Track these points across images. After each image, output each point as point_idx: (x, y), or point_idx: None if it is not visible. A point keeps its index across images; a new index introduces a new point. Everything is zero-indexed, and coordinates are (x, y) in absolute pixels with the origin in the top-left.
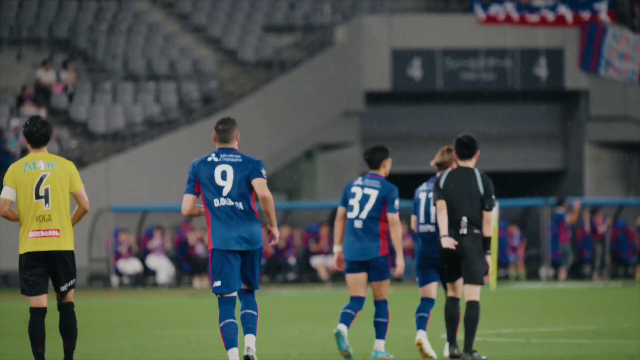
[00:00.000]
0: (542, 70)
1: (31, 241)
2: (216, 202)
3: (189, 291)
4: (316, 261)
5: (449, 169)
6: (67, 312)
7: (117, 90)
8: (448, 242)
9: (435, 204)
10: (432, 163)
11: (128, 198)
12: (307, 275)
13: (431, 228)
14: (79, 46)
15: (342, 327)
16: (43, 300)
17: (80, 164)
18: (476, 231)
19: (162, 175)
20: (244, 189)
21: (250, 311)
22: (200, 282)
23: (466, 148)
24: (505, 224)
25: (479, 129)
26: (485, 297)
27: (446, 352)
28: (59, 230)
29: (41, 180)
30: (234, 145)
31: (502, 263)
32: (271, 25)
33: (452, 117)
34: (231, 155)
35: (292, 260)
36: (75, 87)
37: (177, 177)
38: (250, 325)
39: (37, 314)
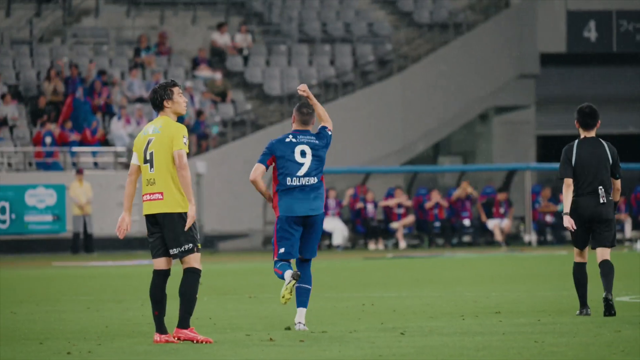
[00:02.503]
0: None
1: (144, 205)
2: (288, 180)
3: (364, 254)
4: (492, 223)
5: (576, 141)
6: (184, 277)
7: (292, 53)
8: (569, 223)
9: (561, 178)
10: None
11: None
12: (482, 237)
13: None
14: (255, 9)
15: None
16: (162, 262)
17: (255, 126)
18: (610, 198)
19: (338, 138)
20: (318, 166)
21: (305, 285)
22: (375, 245)
23: (590, 118)
24: None
25: None
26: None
27: (577, 313)
28: (162, 194)
29: (148, 144)
30: (310, 128)
31: None
32: None
33: (627, 79)
34: (307, 136)
35: (467, 222)
36: (251, 50)
37: (353, 139)
38: (302, 299)
39: (157, 276)
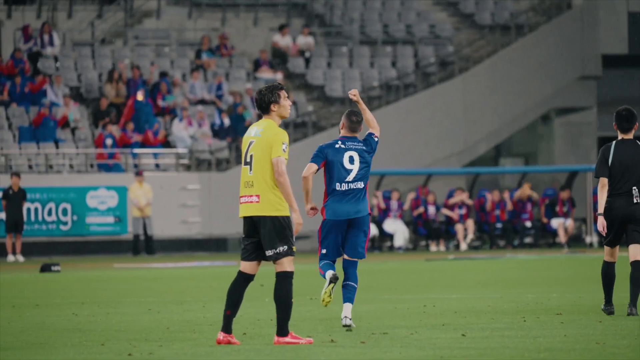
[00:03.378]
0: None
1: (241, 207)
2: (337, 185)
3: (425, 255)
4: (556, 222)
5: (614, 142)
6: (277, 282)
7: (353, 55)
8: (601, 225)
9: (597, 177)
10: None
11: None
12: (544, 239)
13: None
14: (316, 10)
15: None
16: (249, 266)
17: (316, 128)
18: None
19: (398, 139)
20: (366, 171)
21: (351, 282)
22: (436, 247)
23: (626, 122)
24: None
25: None
26: None
27: (602, 308)
28: (258, 196)
29: (249, 146)
30: (357, 135)
31: None
32: None
33: None
34: (355, 143)
35: (528, 224)
36: (312, 52)
37: (413, 141)
38: (349, 295)
39: (240, 278)
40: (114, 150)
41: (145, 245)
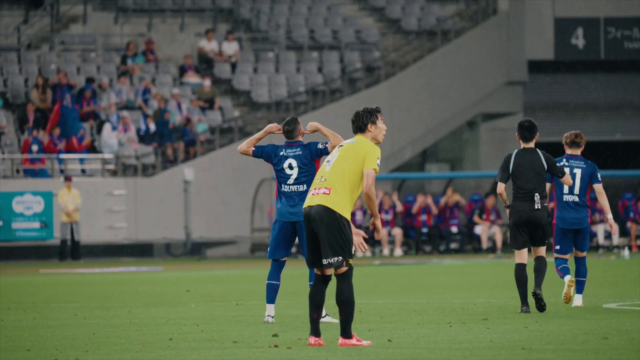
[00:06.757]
0: None
1: (308, 199)
2: (282, 187)
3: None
4: (479, 229)
5: (515, 150)
6: (338, 284)
7: (280, 60)
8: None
9: (496, 182)
10: None
11: None
12: (470, 244)
13: (575, 198)
14: (242, 16)
15: None
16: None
17: (243, 133)
18: (545, 204)
19: None
20: (305, 175)
21: (274, 282)
22: (362, 252)
23: (528, 132)
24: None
25: None
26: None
27: (520, 311)
28: (329, 189)
29: (338, 148)
30: (300, 138)
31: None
32: None
33: (615, 86)
34: (294, 149)
35: (454, 229)
36: (238, 57)
37: None
38: (272, 295)
39: (317, 280)
40: (40, 155)
41: (71, 251)
